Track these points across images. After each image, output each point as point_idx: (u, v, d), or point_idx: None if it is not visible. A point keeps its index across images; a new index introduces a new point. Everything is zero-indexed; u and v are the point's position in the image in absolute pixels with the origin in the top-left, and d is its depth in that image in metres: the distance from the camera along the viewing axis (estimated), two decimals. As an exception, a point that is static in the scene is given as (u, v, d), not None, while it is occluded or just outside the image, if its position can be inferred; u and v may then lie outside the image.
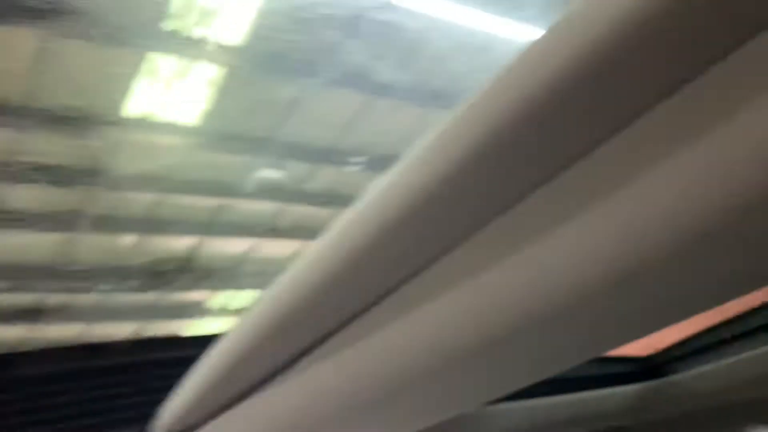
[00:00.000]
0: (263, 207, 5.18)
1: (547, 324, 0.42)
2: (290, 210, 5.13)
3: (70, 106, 4.33)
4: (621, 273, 0.35)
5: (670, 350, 1.32)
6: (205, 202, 5.00)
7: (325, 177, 4.94)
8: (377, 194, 0.39)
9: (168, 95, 4.38)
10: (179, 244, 5.20)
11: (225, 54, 4.24)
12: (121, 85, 4.27)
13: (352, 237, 0.41)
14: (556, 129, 0.34)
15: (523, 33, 3.74)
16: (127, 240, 4.95)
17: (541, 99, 0.32)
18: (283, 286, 0.49)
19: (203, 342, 0.76)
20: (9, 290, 5.69)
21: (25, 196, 4.77)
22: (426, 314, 0.46)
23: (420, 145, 0.38)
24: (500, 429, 0.95)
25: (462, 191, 0.37)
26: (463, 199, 0.38)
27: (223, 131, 4.64)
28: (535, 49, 0.33)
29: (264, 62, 4.28)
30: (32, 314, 5.89)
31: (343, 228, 0.42)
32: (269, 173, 4.90)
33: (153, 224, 4.90)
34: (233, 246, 5.36)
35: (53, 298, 5.36)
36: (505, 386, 0.58)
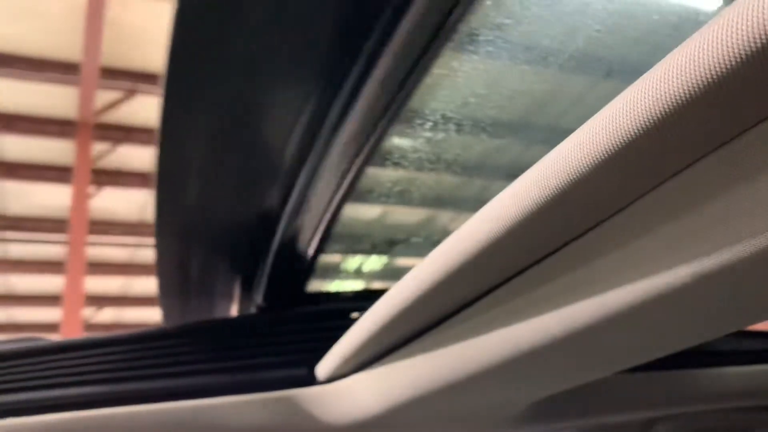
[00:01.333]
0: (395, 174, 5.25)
1: (690, 293, 0.42)
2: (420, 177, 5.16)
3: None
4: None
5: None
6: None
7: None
8: (550, 163, 0.40)
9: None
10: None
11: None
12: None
13: (520, 202, 0.43)
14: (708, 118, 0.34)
15: None
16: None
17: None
18: (440, 252, 0.52)
19: (361, 297, 0.82)
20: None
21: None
22: (574, 280, 0.48)
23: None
24: (634, 397, 0.95)
25: (626, 164, 0.38)
26: (627, 172, 0.39)
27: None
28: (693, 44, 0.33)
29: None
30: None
31: (512, 193, 0.44)
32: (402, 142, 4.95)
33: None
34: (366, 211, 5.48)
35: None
36: (642, 355, 0.58)
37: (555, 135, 0.45)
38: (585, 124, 0.38)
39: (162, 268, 0.76)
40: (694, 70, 0.32)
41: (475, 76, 0.51)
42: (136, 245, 6.00)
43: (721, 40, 0.30)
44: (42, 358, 0.70)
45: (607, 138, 0.36)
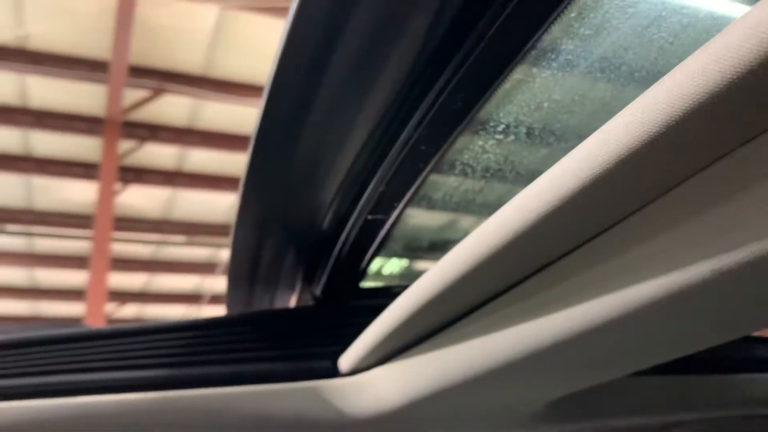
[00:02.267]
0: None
1: (706, 293, 0.43)
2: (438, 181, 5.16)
3: (243, 77, 4.62)
4: None
5: None
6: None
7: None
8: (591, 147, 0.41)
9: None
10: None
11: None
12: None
13: (543, 199, 0.44)
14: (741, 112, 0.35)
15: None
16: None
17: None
18: (463, 248, 0.53)
19: (382, 293, 0.84)
20: (186, 244, 6.19)
21: (201, 159, 5.18)
22: (593, 277, 0.49)
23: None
24: (649, 401, 0.95)
25: (644, 165, 0.39)
26: (646, 172, 0.40)
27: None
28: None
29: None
30: (205, 267, 6.41)
31: (544, 183, 0.45)
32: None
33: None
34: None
35: (225, 254, 5.76)
36: (658, 355, 0.59)
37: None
38: (605, 125, 0.40)
39: (235, 259, 0.80)
40: (714, 72, 0.33)
41: (551, 84, 0.53)
42: (159, 242, 6.07)
43: (741, 42, 0.32)
44: (104, 341, 0.74)
45: (627, 138, 0.38)
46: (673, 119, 0.36)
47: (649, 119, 0.37)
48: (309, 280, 0.80)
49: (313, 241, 0.73)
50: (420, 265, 0.98)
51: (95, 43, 4.44)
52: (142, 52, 4.58)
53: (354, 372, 0.79)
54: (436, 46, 0.47)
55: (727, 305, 0.47)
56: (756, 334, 1.16)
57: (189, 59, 4.61)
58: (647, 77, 0.49)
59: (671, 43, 0.48)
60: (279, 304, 0.87)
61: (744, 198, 0.38)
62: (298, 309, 0.82)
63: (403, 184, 0.62)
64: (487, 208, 0.83)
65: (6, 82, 4.62)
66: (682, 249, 0.43)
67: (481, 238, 0.51)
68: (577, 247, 0.50)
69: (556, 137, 0.60)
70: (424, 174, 0.60)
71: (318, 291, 0.80)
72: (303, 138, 0.56)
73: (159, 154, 5.31)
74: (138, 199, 5.65)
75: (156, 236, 6.01)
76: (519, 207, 0.47)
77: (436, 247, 0.93)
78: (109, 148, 5.01)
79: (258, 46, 4.40)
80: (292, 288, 0.83)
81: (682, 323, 0.52)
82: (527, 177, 0.67)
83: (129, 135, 5.11)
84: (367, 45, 0.48)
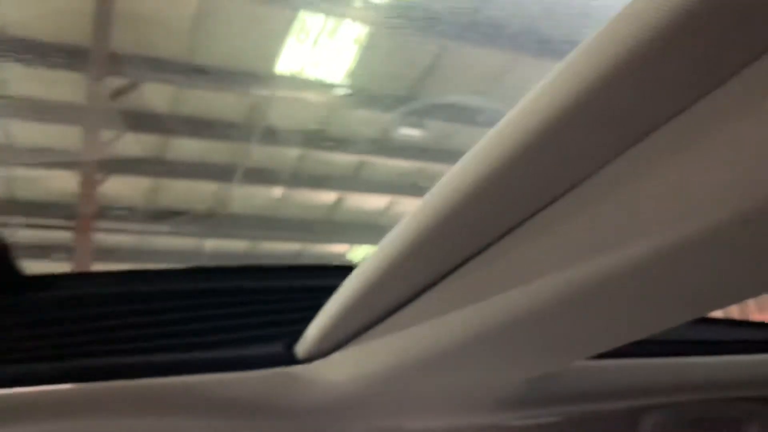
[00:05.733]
0: (403, 165, 5.26)
1: (649, 271, 0.42)
2: (429, 168, 5.16)
3: (226, 63, 4.58)
4: (730, 221, 0.35)
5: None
6: (348, 159, 5.14)
7: (465, 136, 4.92)
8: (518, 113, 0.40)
9: (316, 53, 4.51)
10: (323, 198, 5.40)
11: (370, 12, 4.29)
12: (273, 43, 4.45)
13: (488, 160, 0.43)
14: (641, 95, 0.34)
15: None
16: (275, 192, 5.21)
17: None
18: (412, 218, 0.51)
19: (346, 272, 0.82)
20: (170, 234, 6.19)
21: (185, 148, 5.15)
22: (538, 255, 0.48)
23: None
24: (625, 384, 0.94)
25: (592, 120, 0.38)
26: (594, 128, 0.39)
27: (366, 89, 4.72)
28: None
29: (408, 20, 4.29)
30: (190, 257, 6.38)
31: (477, 153, 0.43)
32: (410, 131, 4.94)
33: (299, 178, 5.11)
34: (373, 202, 5.49)
35: (209, 244, 5.76)
36: (608, 340, 0.58)
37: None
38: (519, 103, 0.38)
39: None
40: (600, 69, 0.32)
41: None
42: (142, 232, 6.04)
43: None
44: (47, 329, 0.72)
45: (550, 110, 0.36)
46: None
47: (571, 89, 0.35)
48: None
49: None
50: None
51: (75, 31, 4.39)
52: (123, 40, 4.53)
53: (311, 358, 0.77)
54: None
55: (667, 287, 0.45)
56: (720, 316, 1.15)
57: (170, 46, 4.57)
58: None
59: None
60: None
61: (675, 174, 0.37)
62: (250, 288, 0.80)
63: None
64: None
65: (-17, 70, 4.56)
66: (617, 229, 0.41)
67: (421, 214, 0.49)
68: (521, 223, 0.49)
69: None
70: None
71: None
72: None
73: (141, 142, 5.27)
74: (121, 188, 5.61)
75: (139, 226, 5.99)
76: (453, 183, 0.45)
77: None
78: (91, 137, 4.96)
79: (240, 31, 4.36)
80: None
81: (629, 305, 0.50)
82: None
83: (110, 123, 5.06)
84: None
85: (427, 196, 0.49)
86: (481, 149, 0.42)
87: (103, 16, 4.31)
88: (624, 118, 0.36)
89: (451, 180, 0.46)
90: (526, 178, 0.43)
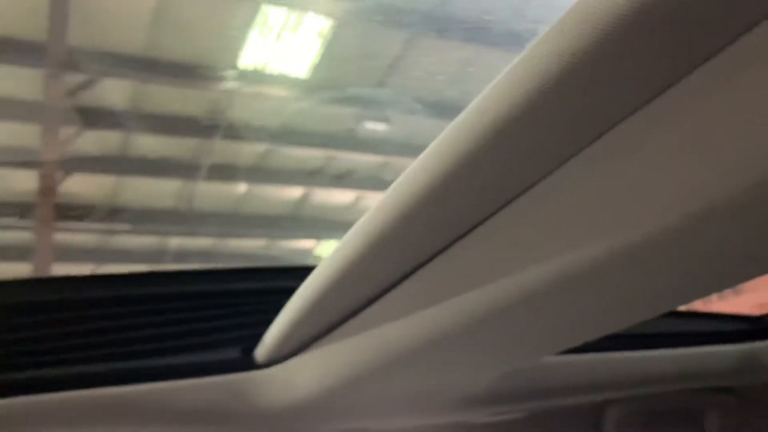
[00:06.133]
0: (369, 159, 5.24)
1: (621, 268, 0.42)
2: (396, 162, 5.16)
3: (187, 58, 4.52)
4: (696, 215, 0.35)
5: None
6: (313, 154, 5.11)
7: (431, 130, 4.92)
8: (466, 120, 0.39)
9: (279, 47, 4.47)
10: (288, 194, 5.37)
11: (334, 5, 4.27)
12: (235, 38, 4.40)
13: (440, 162, 0.42)
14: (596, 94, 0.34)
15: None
16: (240, 189, 5.16)
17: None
18: (368, 220, 0.50)
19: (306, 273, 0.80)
20: (133, 233, 6.10)
21: (147, 145, 5.06)
22: (495, 256, 0.47)
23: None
24: (587, 379, 0.94)
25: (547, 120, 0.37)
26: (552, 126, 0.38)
27: (330, 83, 4.70)
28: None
29: (372, 13, 4.27)
30: (153, 255, 6.29)
31: (432, 153, 0.42)
32: (375, 126, 4.93)
33: (263, 174, 5.07)
34: (340, 197, 5.47)
35: (173, 242, 5.69)
36: (582, 334, 0.58)
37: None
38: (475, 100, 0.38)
39: None
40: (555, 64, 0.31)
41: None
42: (104, 231, 5.93)
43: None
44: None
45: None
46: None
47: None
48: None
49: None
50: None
51: (30, 26, 4.28)
52: (81, 35, 4.43)
53: (271, 362, 0.76)
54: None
55: (631, 284, 0.45)
56: (685, 309, 1.17)
57: (130, 41, 4.48)
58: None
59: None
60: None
61: (630, 173, 0.36)
62: (208, 291, 0.78)
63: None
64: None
65: (-65, 67, 4.43)
66: (576, 228, 0.41)
67: (377, 215, 0.48)
68: (479, 224, 0.48)
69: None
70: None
71: None
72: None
73: (102, 140, 5.18)
74: (81, 186, 5.51)
75: (101, 225, 5.88)
76: (406, 186, 0.44)
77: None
78: (50, 135, 4.85)
79: (201, 26, 4.29)
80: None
81: (590, 304, 0.50)
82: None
83: (70, 120, 4.96)
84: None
85: (384, 196, 0.48)
86: (437, 148, 0.41)
87: (60, 10, 4.21)
88: (579, 117, 0.35)
89: (407, 180, 0.45)
90: (483, 176, 0.42)
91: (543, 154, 0.39)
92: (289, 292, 0.66)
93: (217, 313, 0.74)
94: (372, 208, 0.48)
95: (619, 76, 0.32)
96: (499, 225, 0.47)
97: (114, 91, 4.91)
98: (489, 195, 0.45)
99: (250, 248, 5.75)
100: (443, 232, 0.48)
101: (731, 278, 0.44)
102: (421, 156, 0.43)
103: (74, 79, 4.70)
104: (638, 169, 0.36)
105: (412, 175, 0.43)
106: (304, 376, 0.72)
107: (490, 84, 0.36)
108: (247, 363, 0.72)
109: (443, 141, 0.40)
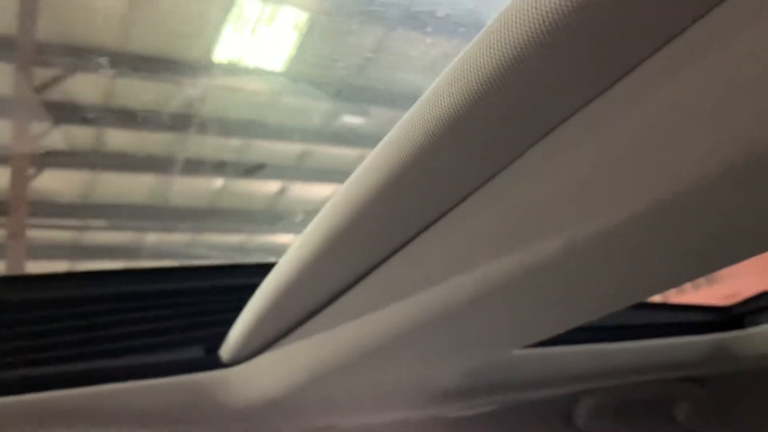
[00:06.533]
0: (346, 153, 5.23)
1: (582, 263, 0.41)
2: (373, 156, 5.14)
3: (161, 52, 4.46)
4: (662, 206, 0.34)
5: (752, 301, 1.26)
6: (289, 148, 5.09)
7: (407, 123, 4.90)
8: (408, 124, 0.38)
9: (254, 41, 4.43)
10: (264, 188, 5.34)
11: (309, -2, 4.24)
12: (210, 31, 4.35)
13: (391, 165, 0.41)
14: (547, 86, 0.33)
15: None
16: (215, 183, 5.12)
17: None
18: (325, 217, 0.50)
19: (267, 270, 0.79)
20: (109, 229, 6.04)
21: (120, 139, 5.00)
22: (468, 247, 0.47)
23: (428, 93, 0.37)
24: (558, 372, 0.95)
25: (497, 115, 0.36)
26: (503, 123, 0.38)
27: (307, 77, 4.67)
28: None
29: (348, 5, 4.25)
30: (129, 252, 6.23)
31: (380, 153, 0.42)
32: (352, 119, 4.92)
33: (241, 168, 5.03)
34: (317, 191, 5.45)
35: (149, 237, 5.64)
36: (547, 328, 0.58)
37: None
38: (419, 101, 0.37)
39: None
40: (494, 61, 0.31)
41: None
42: (79, 228, 5.86)
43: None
44: None
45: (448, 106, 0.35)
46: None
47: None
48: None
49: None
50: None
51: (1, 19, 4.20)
52: (52, 29, 4.36)
53: (235, 361, 0.75)
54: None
55: (589, 279, 0.45)
56: (658, 300, 1.18)
57: (102, 34, 4.42)
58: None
59: None
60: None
61: (584, 169, 0.36)
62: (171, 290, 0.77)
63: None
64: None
65: None
66: (531, 224, 0.40)
67: (330, 213, 0.48)
68: (435, 221, 0.47)
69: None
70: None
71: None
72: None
73: (75, 135, 5.12)
74: (54, 183, 5.44)
75: (75, 221, 5.82)
76: (364, 179, 0.44)
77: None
78: (21, 130, 4.78)
79: (175, 19, 4.24)
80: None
81: (552, 298, 0.50)
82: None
83: (41, 116, 4.88)
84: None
85: (337, 194, 0.47)
86: (388, 144, 0.41)
87: (30, 3, 4.13)
88: (528, 113, 0.35)
89: (360, 177, 0.44)
90: (438, 171, 0.42)
91: (498, 147, 0.39)
92: (252, 289, 0.65)
93: (179, 311, 0.73)
94: (326, 206, 0.48)
95: (572, 65, 0.32)
96: (458, 219, 0.46)
97: (86, 86, 4.84)
98: (447, 189, 0.44)
99: (227, 242, 5.71)
100: (401, 228, 0.48)
101: (699, 269, 0.43)
102: (372, 153, 0.42)
103: (45, 73, 4.62)
104: (600, 158, 0.36)
105: (364, 172, 0.43)
106: (269, 374, 0.71)
107: (439, 77, 0.36)
108: (211, 362, 0.71)
109: (394, 137, 0.40)
